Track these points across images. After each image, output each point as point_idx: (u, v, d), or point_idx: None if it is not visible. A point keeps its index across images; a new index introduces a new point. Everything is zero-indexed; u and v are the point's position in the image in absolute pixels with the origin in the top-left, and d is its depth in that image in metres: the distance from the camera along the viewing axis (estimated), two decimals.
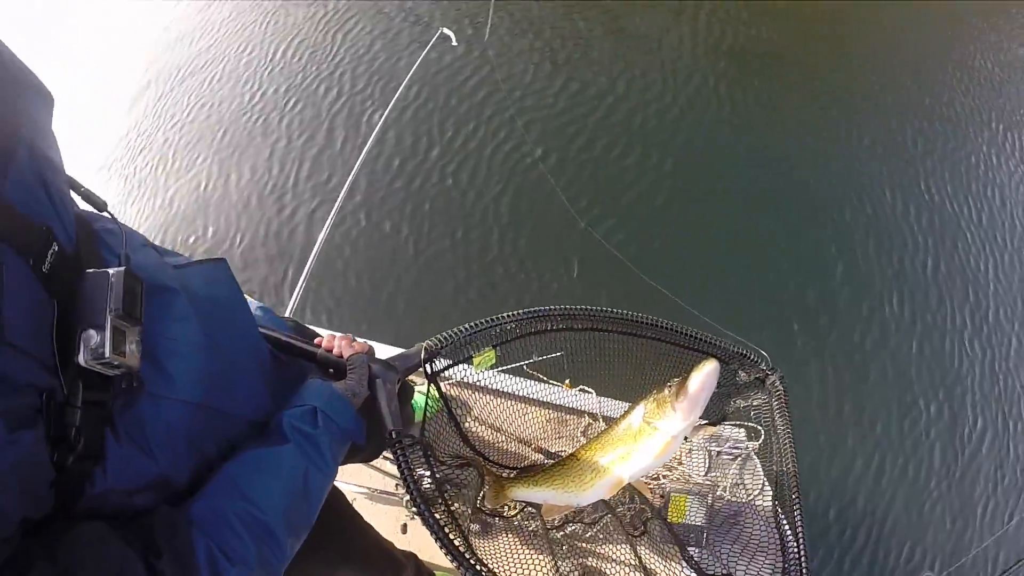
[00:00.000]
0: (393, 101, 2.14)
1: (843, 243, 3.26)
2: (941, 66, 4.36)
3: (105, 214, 0.67)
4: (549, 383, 1.59)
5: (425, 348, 0.96)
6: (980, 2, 4.90)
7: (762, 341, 1.00)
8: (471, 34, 3.98)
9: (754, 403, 1.01)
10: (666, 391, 0.88)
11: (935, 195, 3.59)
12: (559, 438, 1.49)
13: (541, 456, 1.30)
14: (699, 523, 1.83)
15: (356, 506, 1.42)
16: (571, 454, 0.99)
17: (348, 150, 3.58)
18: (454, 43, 2.51)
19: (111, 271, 0.55)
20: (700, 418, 0.91)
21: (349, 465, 1.86)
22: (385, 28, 4.33)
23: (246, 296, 0.85)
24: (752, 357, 0.98)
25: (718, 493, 1.92)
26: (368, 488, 1.99)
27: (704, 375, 0.86)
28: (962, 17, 4.80)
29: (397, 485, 1.98)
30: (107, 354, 0.52)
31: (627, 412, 0.94)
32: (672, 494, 1.79)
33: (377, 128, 2.19)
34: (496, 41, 3.97)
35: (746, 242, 3.23)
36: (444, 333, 0.97)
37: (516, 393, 1.44)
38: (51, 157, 0.57)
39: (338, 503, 1.20)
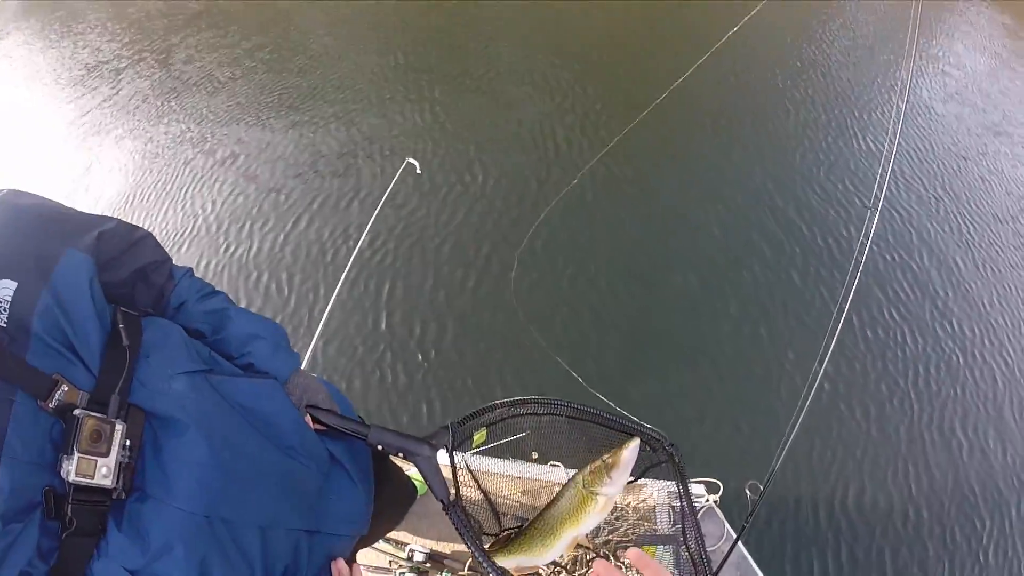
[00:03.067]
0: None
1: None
2: None
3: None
4: (522, 461, 1.83)
5: (451, 427, 1.12)
6: None
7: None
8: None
9: (663, 466, 1.24)
10: (600, 463, 1.10)
11: None
12: (534, 508, 1.68)
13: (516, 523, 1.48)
14: (671, 570, 2.03)
15: None
16: (531, 523, 1.19)
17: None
18: (418, 171, 2.77)
19: (78, 412, 0.68)
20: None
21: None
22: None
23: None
24: (657, 436, 1.22)
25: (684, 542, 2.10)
26: (363, 565, 2.14)
27: (630, 450, 1.09)
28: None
29: (391, 562, 2.13)
30: (71, 477, 0.66)
31: (569, 483, 1.15)
32: (643, 546, 1.98)
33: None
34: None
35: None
36: (453, 420, 1.15)
37: (498, 472, 1.62)
38: (83, 316, 0.72)
39: None
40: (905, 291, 4.02)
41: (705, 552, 1.17)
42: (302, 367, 1.10)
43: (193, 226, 4.69)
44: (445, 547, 2.15)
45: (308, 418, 1.02)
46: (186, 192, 5.06)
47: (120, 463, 0.70)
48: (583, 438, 1.29)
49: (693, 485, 2.12)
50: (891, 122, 4.57)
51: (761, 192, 4.63)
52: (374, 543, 1.99)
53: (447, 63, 6.40)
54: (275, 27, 7.68)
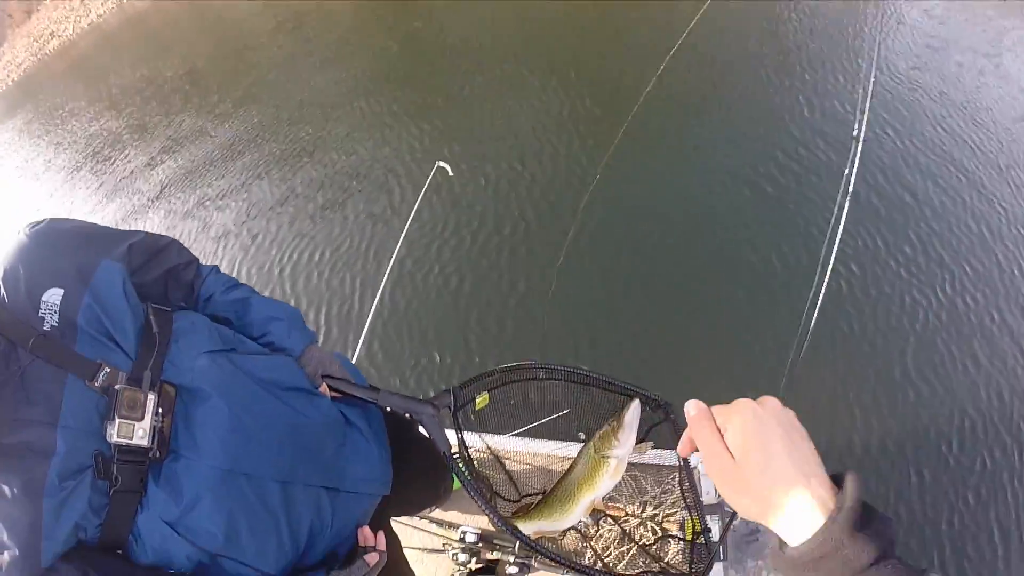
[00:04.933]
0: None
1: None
2: None
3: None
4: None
5: (452, 390, 1.19)
6: None
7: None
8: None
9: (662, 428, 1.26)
10: (607, 428, 1.14)
11: None
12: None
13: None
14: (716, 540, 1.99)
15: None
16: (550, 490, 1.24)
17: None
18: (450, 173, 2.84)
19: (118, 387, 0.82)
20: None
21: (399, 525, 2.12)
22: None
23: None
24: (653, 396, 1.24)
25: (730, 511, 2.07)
26: (418, 547, 2.24)
27: (632, 411, 1.12)
28: None
29: (444, 544, 2.22)
30: (113, 439, 0.80)
31: (583, 449, 1.18)
32: (686, 518, 1.96)
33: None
34: None
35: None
36: (453, 384, 1.22)
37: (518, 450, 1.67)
38: (119, 312, 0.87)
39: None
40: (896, 236, 3.73)
41: (700, 500, 1.20)
42: (340, 353, 1.22)
43: (230, 248, 5.15)
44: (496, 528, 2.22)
45: (324, 386, 1.14)
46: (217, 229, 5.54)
47: (154, 427, 0.83)
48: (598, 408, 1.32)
49: None
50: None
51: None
52: (409, 514, 2.10)
53: (440, 71, 6.66)
54: (255, 76, 8.18)
